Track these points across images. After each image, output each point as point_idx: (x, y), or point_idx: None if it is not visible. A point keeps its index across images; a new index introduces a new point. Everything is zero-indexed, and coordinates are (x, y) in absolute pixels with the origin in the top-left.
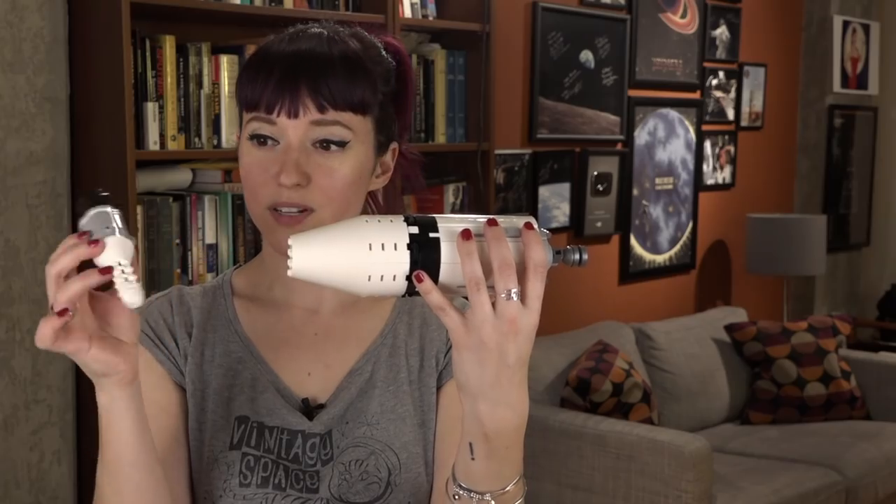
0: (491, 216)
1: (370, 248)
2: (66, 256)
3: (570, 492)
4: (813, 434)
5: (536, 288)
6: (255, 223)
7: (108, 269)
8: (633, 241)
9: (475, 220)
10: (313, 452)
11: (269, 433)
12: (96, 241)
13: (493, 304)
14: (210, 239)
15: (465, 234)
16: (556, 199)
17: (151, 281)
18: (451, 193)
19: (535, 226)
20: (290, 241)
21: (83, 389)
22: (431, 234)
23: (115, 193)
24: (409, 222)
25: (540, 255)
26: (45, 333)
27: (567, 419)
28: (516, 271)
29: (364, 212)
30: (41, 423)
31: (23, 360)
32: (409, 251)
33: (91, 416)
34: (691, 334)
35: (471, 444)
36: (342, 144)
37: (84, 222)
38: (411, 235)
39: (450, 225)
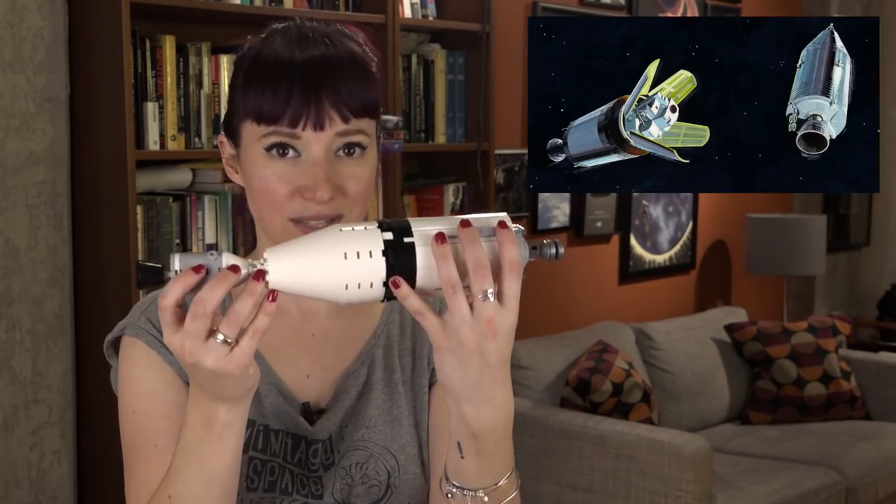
0: (464, 217)
1: (345, 258)
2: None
3: (570, 492)
4: (813, 434)
5: (513, 287)
6: (267, 231)
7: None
8: (633, 241)
9: (449, 222)
10: (316, 458)
11: (274, 436)
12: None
13: (471, 306)
14: (210, 239)
15: (440, 238)
16: (556, 199)
17: None
18: (451, 193)
19: (509, 224)
20: (265, 255)
21: (83, 389)
22: (406, 240)
23: (115, 193)
24: (383, 228)
25: (514, 253)
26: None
27: (567, 419)
28: (492, 270)
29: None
30: (41, 423)
31: (23, 360)
32: (384, 258)
33: (91, 416)
34: (691, 334)
35: (459, 444)
36: (363, 150)
37: (178, 267)
38: (386, 242)
39: (424, 228)
